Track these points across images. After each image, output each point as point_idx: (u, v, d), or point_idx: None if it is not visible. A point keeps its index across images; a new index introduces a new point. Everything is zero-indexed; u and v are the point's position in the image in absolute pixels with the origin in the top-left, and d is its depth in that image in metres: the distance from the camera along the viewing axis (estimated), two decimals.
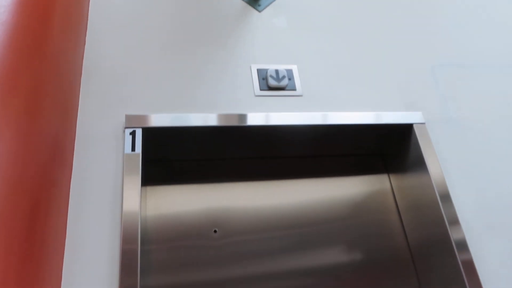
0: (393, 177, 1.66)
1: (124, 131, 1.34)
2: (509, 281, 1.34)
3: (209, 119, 1.40)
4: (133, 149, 1.30)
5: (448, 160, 1.50)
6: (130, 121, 1.35)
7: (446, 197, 1.39)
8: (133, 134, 1.33)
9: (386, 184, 1.66)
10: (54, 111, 1.14)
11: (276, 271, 1.43)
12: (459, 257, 1.30)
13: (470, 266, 1.30)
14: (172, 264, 1.38)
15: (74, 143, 1.31)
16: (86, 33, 1.51)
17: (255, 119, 1.43)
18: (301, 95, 1.52)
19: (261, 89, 1.50)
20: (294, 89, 1.52)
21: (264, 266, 1.43)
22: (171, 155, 1.53)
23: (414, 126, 1.51)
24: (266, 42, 1.63)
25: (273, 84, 1.51)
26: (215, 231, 1.45)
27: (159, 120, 1.37)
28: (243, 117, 1.42)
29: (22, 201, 0.89)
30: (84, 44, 1.49)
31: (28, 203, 0.92)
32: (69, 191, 1.23)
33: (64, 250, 1.15)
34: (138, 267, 1.13)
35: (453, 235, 1.33)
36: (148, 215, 1.43)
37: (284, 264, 1.44)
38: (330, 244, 1.51)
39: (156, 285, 1.34)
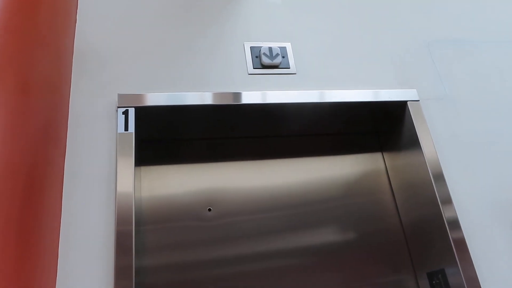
0: (387, 156, 1.66)
1: (116, 111, 1.33)
2: (500, 258, 1.35)
3: (204, 98, 1.39)
4: (126, 128, 1.30)
5: (442, 138, 1.50)
6: (123, 100, 1.34)
7: (439, 177, 1.40)
8: (126, 113, 1.32)
9: (380, 163, 1.67)
10: (46, 90, 1.13)
11: (270, 251, 1.44)
12: (451, 236, 1.31)
13: (462, 244, 1.31)
14: (167, 244, 1.39)
15: (67, 123, 1.30)
16: (77, 11, 1.49)
17: (250, 97, 1.42)
18: (294, 73, 1.51)
19: (254, 67, 1.49)
20: (288, 67, 1.51)
21: (258, 246, 1.44)
22: (165, 135, 1.53)
23: (408, 103, 1.51)
24: (260, 19, 1.61)
25: (266, 62, 1.50)
26: (209, 210, 1.46)
27: (153, 99, 1.36)
28: (238, 95, 1.41)
29: (17, 177, 0.90)
30: (75, 23, 1.47)
31: (23, 179, 0.93)
32: (63, 170, 1.24)
33: (59, 230, 1.16)
34: (133, 248, 1.14)
35: (446, 214, 1.34)
36: (143, 196, 1.44)
37: (278, 244, 1.46)
38: (324, 224, 1.52)
39: (151, 265, 1.35)
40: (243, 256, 1.42)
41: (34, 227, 0.98)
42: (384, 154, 1.68)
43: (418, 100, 1.52)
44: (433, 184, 1.38)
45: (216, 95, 1.40)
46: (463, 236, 1.32)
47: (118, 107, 1.33)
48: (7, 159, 0.87)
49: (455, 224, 1.33)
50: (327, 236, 1.50)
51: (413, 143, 1.47)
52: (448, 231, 1.32)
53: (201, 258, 1.39)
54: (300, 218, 1.51)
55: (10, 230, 0.85)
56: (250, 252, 1.43)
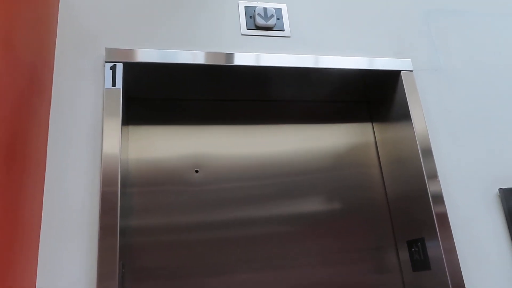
0: (376, 127, 1.66)
1: (104, 65, 1.30)
2: (479, 232, 1.38)
3: (197, 57, 1.35)
4: (113, 84, 1.27)
5: (433, 111, 1.50)
6: (111, 55, 1.30)
7: (427, 152, 1.40)
8: (113, 68, 1.28)
9: (370, 134, 1.66)
10: (30, 41, 1.09)
11: (255, 218, 1.45)
12: (434, 210, 1.33)
13: (444, 218, 1.33)
14: (154, 206, 1.39)
15: (52, 75, 1.26)
16: None
17: (243, 59, 1.39)
18: (289, 36, 1.48)
19: (248, 28, 1.45)
20: (282, 30, 1.47)
21: (243, 212, 1.45)
22: (154, 94, 1.50)
23: (402, 73, 1.49)
24: None
25: (260, 23, 1.45)
26: (196, 171, 1.46)
27: (142, 55, 1.32)
28: (231, 56, 1.38)
29: (0, 127, 0.87)
30: None
31: (7, 129, 0.90)
32: (48, 125, 1.21)
33: (43, 184, 1.15)
34: (118, 208, 1.13)
35: (431, 189, 1.35)
36: (130, 158, 1.42)
37: (263, 211, 1.47)
38: (310, 193, 1.53)
39: (137, 226, 1.36)
40: (227, 221, 1.43)
41: (18, 179, 0.96)
42: (374, 124, 1.67)
43: (412, 71, 1.50)
44: (421, 160, 1.39)
45: (208, 54, 1.36)
46: (446, 210, 1.34)
47: (106, 62, 1.29)
48: None
49: (439, 199, 1.35)
50: (313, 205, 1.52)
51: (404, 115, 1.46)
52: (432, 206, 1.34)
53: (186, 221, 1.40)
54: (287, 186, 1.52)
55: None
56: (235, 218, 1.44)
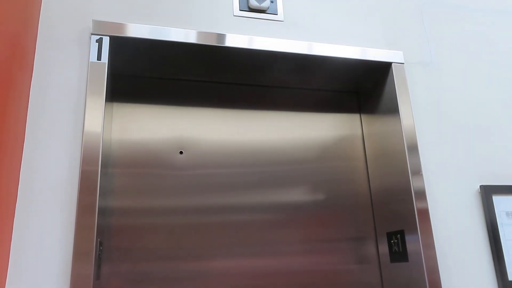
0: (364, 118, 1.65)
1: (90, 38, 1.25)
2: (458, 228, 1.40)
3: (188, 36, 1.31)
4: (99, 58, 1.22)
5: (421, 105, 1.49)
6: (98, 28, 1.25)
7: (413, 148, 1.40)
8: (99, 41, 1.24)
9: (357, 126, 1.66)
10: (13, 9, 1.04)
11: (237, 204, 1.44)
12: (416, 205, 1.34)
13: (424, 213, 1.34)
14: (135, 188, 1.36)
15: (35, 44, 1.21)
16: None
17: (236, 41, 1.35)
18: (282, 21, 1.45)
19: (240, 9, 1.42)
20: (276, 13, 1.44)
21: (225, 199, 1.43)
22: (141, 71, 1.45)
23: (393, 65, 1.48)
24: None
25: (254, 5, 1.42)
26: (181, 152, 1.43)
27: (131, 30, 1.27)
28: (223, 37, 1.34)
29: None
30: None
31: None
32: (28, 96, 1.16)
33: (21, 157, 1.11)
34: (97, 188, 1.10)
35: (414, 185, 1.36)
36: (113, 137, 1.39)
37: (246, 198, 1.45)
38: (294, 183, 1.52)
39: (117, 207, 1.33)
40: (209, 206, 1.41)
41: None
42: (362, 116, 1.67)
43: (403, 63, 1.49)
44: (406, 155, 1.38)
45: (200, 34, 1.33)
46: (427, 206, 1.35)
47: (92, 34, 1.24)
48: None
49: (421, 194, 1.35)
50: (296, 194, 1.51)
51: (392, 108, 1.46)
52: (414, 201, 1.34)
53: (168, 204, 1.38)
54: (272, 175, 1.50)
55: None
56: (217, 203, 1.42)
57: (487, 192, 1.44)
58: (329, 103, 1.66)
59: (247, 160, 1.50)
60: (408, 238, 1.35)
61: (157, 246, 1.33)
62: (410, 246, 1.34)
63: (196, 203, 1.40)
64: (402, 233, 1.38)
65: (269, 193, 1.48)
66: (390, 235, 1.45)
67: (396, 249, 1.41)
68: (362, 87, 1.66)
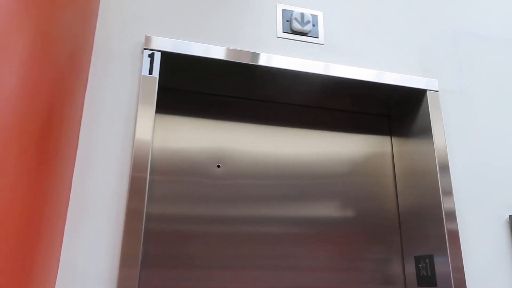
0: (395, 141, 1.69)
1: (142, 52, 1.31)
2: (486, 254, 1.42)
3: (234, 55, 1.37)
4: (150, 72, 1.28)
5: (453, 132, 1.53)
6: (150, 43, 1.32)
7: (445, 167, 1.43)
8: (151, 56, 1.30)
9: (387, 147, 1.70)
10: (71, 23, 1.10)
11: (269, 217, 1.48)
12: (446, 227, 1.36)
13: (455, 236, 1.36)
14: (172, 195, 1.41)
15: (90, 58, 1.28)
16: None
17: (278, 61, 1.41)
18: (322, 44, 1.50)
19: (284, 31, 1.48)
20: (317, 37, 1.50)
21: (258, 210, 1.47)
22: (186, 85, 1.51)
23: (428, 92, 1.52)
24: None
25: (296, 28, 1.48)
26: (218, 166, 1.48)
27: (181, 46, 1.33)
28: (267, 57, 1.40)
29: (38, 100, 0.88)
30: None
31: (44, 108, 0.92)
32: (83, 105, 1.22)
33: (74, 162, 1.16)
34: (145, 194, 1.15)
35: (445, 205, 1.39)
36: (155, 146, 1.44)
37: (278, 211, 1.49)
38: (324, 198, 1.56)
39: (156, 213, 1.38)
40: (242, 217, 1.45)
41: (51, 156, 0.97)
42: (393, 138, 1.70)
43: (438, 91, 1.53)
44: (438, 174, 1.42)
45: (244, 53, 1.38)
46: (457, 228, 1.37)
47: (145, 49, 1.30)
48: (34, 82, 0.86)
49: (451, 216, 1.38)
50: (326, 210, 1.54)
51: (425, 132, 1.50)
52: (444, 222, 1.37)
53: (203, 213, 1.42)
54: (303, 189, 1.54)
55: (29, 149, 0.84)
56: (250, 214, 1.46)
57: None
58: (361, 125, 1.70)
59: (281, 174, 1.54)
60: (437, 261, 1.37)
61: (189, 254, 1.37)
62: (439, 269, 1.36)
63: (230, 213, 1.45)
64: (431, 257, 1.40)
65: (299, 206, 1.52)
66: (418, 259, 1.47)
67: (424, 273, 1.43)
68: (394, 111, 1.70)
